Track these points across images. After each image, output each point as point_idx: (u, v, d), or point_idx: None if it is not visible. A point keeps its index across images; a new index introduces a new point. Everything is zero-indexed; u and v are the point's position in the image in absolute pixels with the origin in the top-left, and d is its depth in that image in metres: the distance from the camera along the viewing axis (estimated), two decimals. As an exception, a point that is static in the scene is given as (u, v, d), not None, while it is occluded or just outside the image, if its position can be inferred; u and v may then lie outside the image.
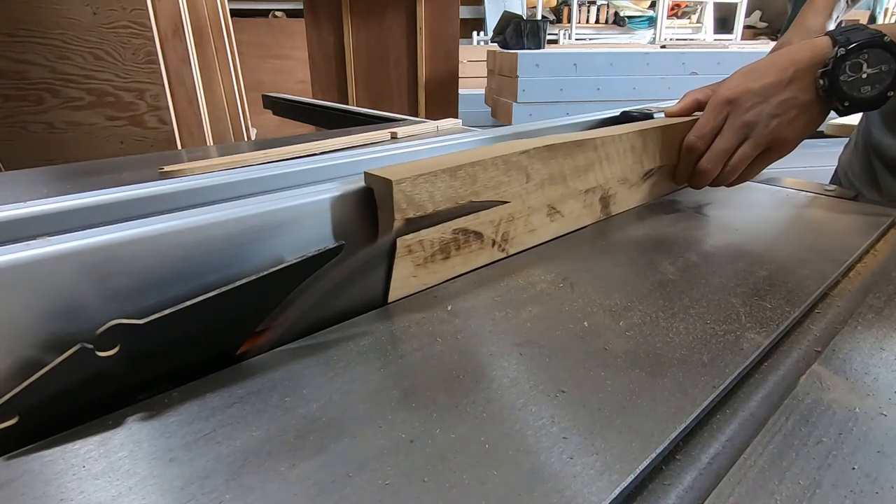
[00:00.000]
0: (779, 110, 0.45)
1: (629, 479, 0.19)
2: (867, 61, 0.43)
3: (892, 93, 0.44)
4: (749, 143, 0.47)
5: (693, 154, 0.48)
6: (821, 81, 0.44)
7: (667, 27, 4.54)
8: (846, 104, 0.45)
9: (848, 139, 0.75)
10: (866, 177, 0.66)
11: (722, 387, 0.25)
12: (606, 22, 4.74)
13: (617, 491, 0.19)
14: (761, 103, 0.45)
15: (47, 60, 1.26)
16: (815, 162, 0.59)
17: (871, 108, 0.46)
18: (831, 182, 0.72)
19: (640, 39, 4.57)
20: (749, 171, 0.48)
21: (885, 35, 0.42)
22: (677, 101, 0.54)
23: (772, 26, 4.92)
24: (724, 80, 0.49)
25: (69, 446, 0.21)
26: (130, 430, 0.22)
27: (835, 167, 0.75)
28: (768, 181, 0.57)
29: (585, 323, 0.30)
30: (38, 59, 1.25)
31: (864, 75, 0.43)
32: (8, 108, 1.27)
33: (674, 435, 0.22)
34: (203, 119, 1.50)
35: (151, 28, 1.29)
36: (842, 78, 0.44)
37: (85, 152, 1.33)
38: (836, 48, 0.43)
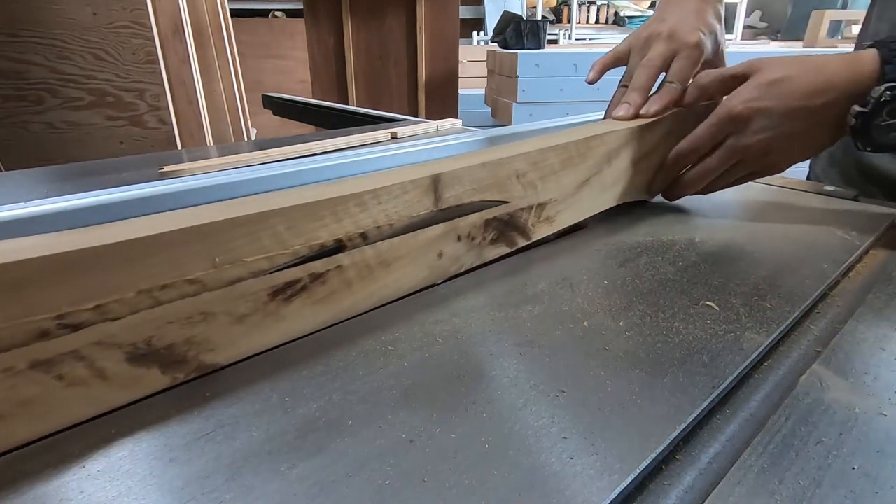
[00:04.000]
0: (787, 143, 0.40)
1: (629, 479, 0.19)
2: None
3: None
4: (741, 166, 0.43)
5: (681, 165, 0.45)
6: (853, 121, 0.38)
7: (667, 27, 4.53)
8: (868, 148, 0.39)
9: None
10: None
11: (722, 387, 0.25)
12: (606, 22, 4.74)
13: (617, 491, 0.19)
14: (772, 129, 0.40)
15: (47, 60, 1.26)
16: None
17: (887, 151, 0.39)
18: None
19: (640, 39, 4.55)
20: (730, 185, 0.46)
21: None
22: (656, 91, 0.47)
23: (772, 26, 4.91)
24: (741, 78, 0.42)
25: (69, 446, 0.21)
26: (130, 429, 0.22)
27: (806, 171, 0.71)
28: (767, 181, 0.57)
29: (585, 323, 0.30)
30: (38, 59, 1.25)
31: None
32: (8, 108, 1.27)
33: (674, 435, 0.22)
34: (203, 119, 1.50)
35: (151, 28, 1.29)
36: (876, 122, 0.38)
37: (85, 152, 1.33)
38: (884, 88, 0.37)
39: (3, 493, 0.19)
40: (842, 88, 0.39)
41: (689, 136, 0.44)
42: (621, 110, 0.45)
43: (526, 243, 0.39)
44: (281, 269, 0.26)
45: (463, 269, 0.36)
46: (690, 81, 0.47)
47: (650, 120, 0.44)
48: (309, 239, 0.27)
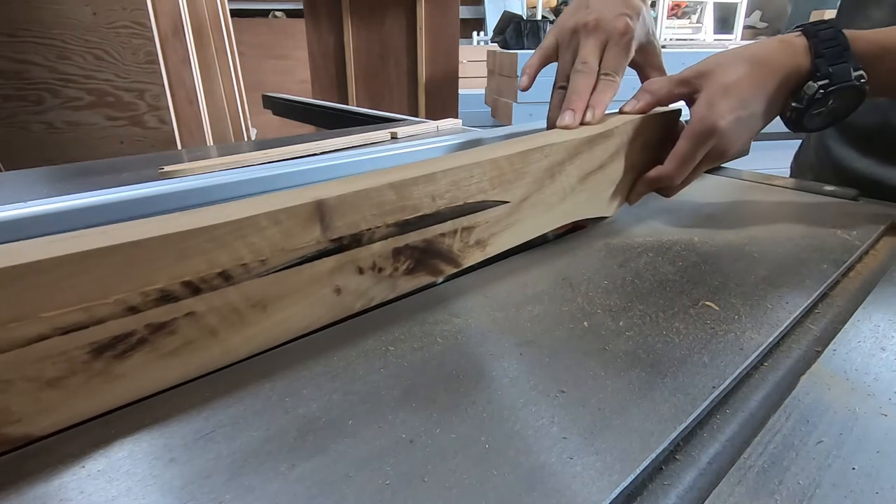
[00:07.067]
0: (750, 135, 0.44)
1: (629, 479, 0.19)
2: (835, 98, 0.41)
3: (838, 122, 0.43)
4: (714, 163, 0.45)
5: (663, 183, 0.45)
6: (789, 114, 0.43)
7: (667, 27, 4.53)
8: (797, 132, 0.44)
9: (798, 145, 0.73)
10: None
11: (722, 387, 0.25)
12: (606, 22, 4.73)
13: (617, 491, 0.19)
14: (746, 131, 0.42)
15: (47, 60, 1.26)
16: (761, 164, 0.59)
17: (812, 132, 0.44)
18: None
19: (640, 39, 4.55)
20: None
21: (862, 75, 0.40)
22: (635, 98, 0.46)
23: (772, 26, 4.91)
24: (691, 84, 0.43)
25: (68, 446, 0.21)
26: (130, 429, 0.22)
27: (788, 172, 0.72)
28: (768, 181, 0.57)
29: (585, 323, 0.30)
30: (38, 59, 1.25)
31: (826, 110, 0.42)
32: (8, 108, 1.27)
33: (674, 435, 0.22)
34: (203, 119, 1.50)
35: (151, 28, 1.29)
36: (808, 113, 0.42)
37: (85, 152, 1.33)
38: (817, 86, 0.40)
39: (3, 493, 0.19)
40: (785, 80, 0.42)
41: (673, 159, 0.43)
42: (566, 118, 0.43)
43: (455, 271, 0.35)
44: (100, 323, 0.22)
45: (374, 303, 0.32)
46: (641, 86, 0.47)
47: (599, 130, 0.41)
48: (140, 285, 0.22)
